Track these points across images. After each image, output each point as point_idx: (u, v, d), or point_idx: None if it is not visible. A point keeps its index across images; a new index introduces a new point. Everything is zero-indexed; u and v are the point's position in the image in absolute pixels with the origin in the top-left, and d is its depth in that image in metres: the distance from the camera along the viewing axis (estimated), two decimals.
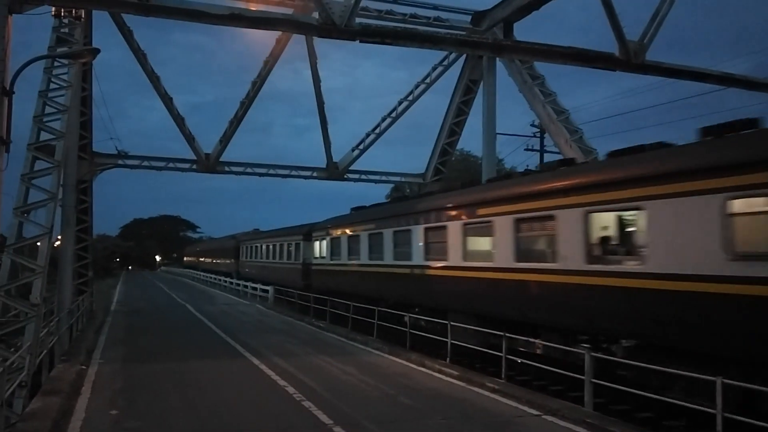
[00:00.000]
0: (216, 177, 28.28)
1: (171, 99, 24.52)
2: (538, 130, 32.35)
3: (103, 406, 9.75)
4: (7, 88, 12.99)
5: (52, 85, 16.30)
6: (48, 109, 15.83)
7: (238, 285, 40.61)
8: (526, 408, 9.74)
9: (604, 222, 10.65)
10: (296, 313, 25.73)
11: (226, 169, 26.76)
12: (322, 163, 27.08)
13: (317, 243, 25.98)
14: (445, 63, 25.35)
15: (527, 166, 34.24)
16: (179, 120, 24.87)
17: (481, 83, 23.91)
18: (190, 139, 25.41)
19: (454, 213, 14.85)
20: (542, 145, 32.79)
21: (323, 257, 24.97)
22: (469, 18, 22.59)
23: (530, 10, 19.80)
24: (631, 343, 10.24)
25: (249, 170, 27.08)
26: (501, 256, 12.79)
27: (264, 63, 23.82)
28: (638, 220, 9.66)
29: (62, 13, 17.65)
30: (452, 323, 13.92)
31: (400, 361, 14.25)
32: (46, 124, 15.58)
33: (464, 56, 24.70)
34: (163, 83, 24.15)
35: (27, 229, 14.42)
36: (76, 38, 17.86)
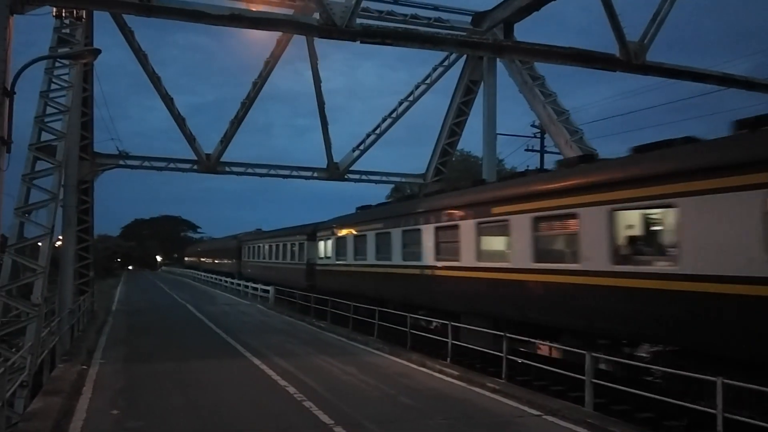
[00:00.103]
0: (217, 177, 28.32)
1: (172, 99, 24.54)
2: (539, 130, 32.34)
3: (104, 406, 9.77)
4: (8, 89, 13.01)
5: (54, 86, 16.31)
6: (49, 110, 15.84)
7: (239, 285, 40.64)
8: (526, 408, 9.75)
9: (631, 220, 10.08)
10: (297, 313, 25.75)
11: (227, 169, 26.76)
12: (323, 163, 27.08)
13: (322, 243, 25.63)
14: (446, 64, 25.35)
15: (527, 166, 34.30)
16: (180, 120, 24.88)
17: (482, 84, 23.92)
18: (190, 139, 25.42)
19: (467, 212, 14.34)
20: (542, 145, 32.79)
21: (328, 257, 24.56)
22: (469, 19, 22.58)
23: (530, 11, 19.80)
24: (659, 348, 9.91)
25: (250, 171, 27.06)
26: (518, 256, 12.32)
27: (264, 63, 23.82)
28: (669, 218, 9.18)
29: (63, 14, 17.64)
30: (466, 326, 13.56)
31: (400, 361, 14.26)
32: (48, 124, 15.59)
33: (464, 57, 24.69)
34: (164, 84, 24.18)
35: (28, 230, 14.44)
36: (78, 39, 17.86)
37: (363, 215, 21.92)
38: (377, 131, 26.59)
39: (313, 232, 27.55)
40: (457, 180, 30.04)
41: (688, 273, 8.53)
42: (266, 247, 38.07)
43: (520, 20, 20.55)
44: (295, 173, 27.40)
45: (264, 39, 22.45)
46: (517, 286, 12.33)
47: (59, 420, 8.74)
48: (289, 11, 19.60)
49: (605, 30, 16.90)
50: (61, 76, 16.57)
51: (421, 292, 16.51)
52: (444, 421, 9.06)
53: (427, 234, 16.11)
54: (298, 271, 29.60)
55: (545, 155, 32.59)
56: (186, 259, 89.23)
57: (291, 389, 10.92)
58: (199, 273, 62.15)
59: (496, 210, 13.19)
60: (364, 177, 28.00)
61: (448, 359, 13.54)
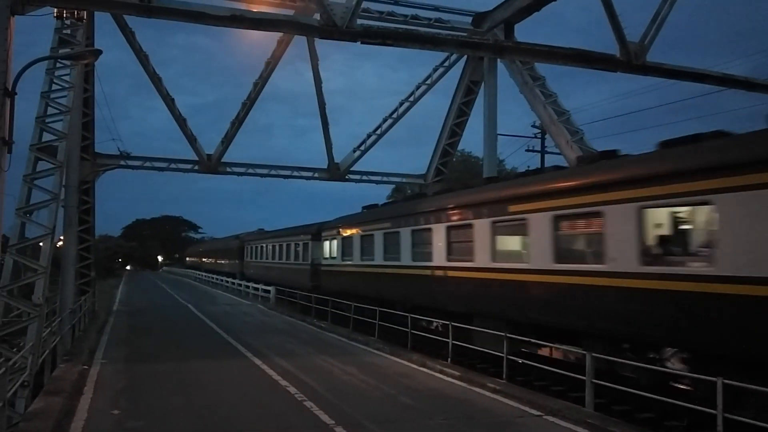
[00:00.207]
0: (217, 178, 28.31)
1: (173, 100, 24.55)
2: (539, 131, 32.32)
3: (105, 406, 9.79)
4: (9, 89, 13.04)
5: (55, 86, 16.32)
6: (50, 110, 15.85)
7: (240, 285, 40.66)
8: (527, 408, 9.76)
9: (661, 219, 9.50)
10: (298, 313, 25.76)
11: (228, 169, 26.76)
12: (324, 163, 27.08)
13: (327, 243, 25.13)
14: (446, 64, 25.36)
15: (528, 166, 34.33)
16: (181, 121, 24.89)
17: (482, 84, 23.90)
18: (191, 139, 25.44)
19: (481, 210, 13.75)
20: (543, 145, 32.77)
21: (334, 258, 24.03)
22: (470, 19, 22.56)
23: (531, 11, 19.80)
24: (689, 354, 9.44)
25: (250, 171, 27.06)
26: (537, 256, 11.74)
27: (265, 64, 23.84)
28: (704, 216, 8.66)
29: (64, 15, 17.65)
30: (480, 329, 13.22)
31: (401, 361, 14.28)
32: (49, 125, 15.60)
33: (465, 57, 24.70)
34: (165, 84, 24.19)
35: (29, 230, 14.45)
36: (79, 39, 17.87)
37: (370, 214, 21.44)
38: (378, 132, 26.60)
39: (317, 232, 27.20)
40: (457, 180, 30.03)
41: (727, 274, 8.01)
42: (269, 247, 37.85)
43: (520, 21, 20.54)
44: (295, 173, 27.40)
45: (264, 39, 22.51)
46: (535, 288, 11.84)
47: (60, 420, 8.76)
48: (290, 12, 19.60)
49: (605, 30, 16.94)
50: (62, 77, 16.58)
51: (431, 294, 15.98)
52: (444, 421, 9.07)
53: (438, 233, 15.59)
54: (303, 272, 29.38)
55: (546, 156, 32.60)
56: (187, 259, 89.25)
57: (292, 389, 10.94)
58: (200, 273, 62.07)
59: (513, 208, 12.61)
60: (364, 177, 27.99)
61: (449, 359, 13.54)
